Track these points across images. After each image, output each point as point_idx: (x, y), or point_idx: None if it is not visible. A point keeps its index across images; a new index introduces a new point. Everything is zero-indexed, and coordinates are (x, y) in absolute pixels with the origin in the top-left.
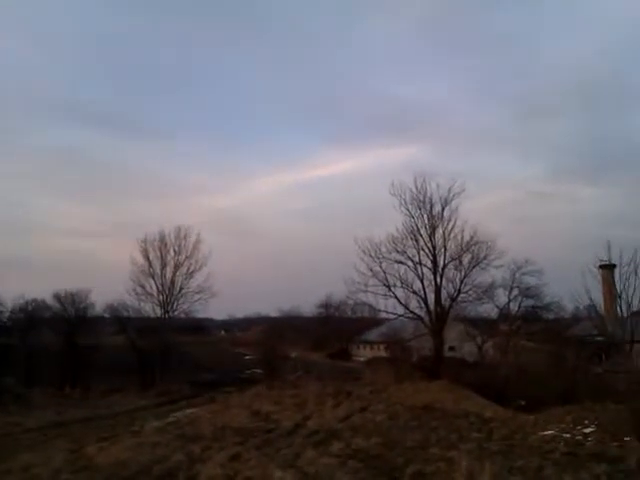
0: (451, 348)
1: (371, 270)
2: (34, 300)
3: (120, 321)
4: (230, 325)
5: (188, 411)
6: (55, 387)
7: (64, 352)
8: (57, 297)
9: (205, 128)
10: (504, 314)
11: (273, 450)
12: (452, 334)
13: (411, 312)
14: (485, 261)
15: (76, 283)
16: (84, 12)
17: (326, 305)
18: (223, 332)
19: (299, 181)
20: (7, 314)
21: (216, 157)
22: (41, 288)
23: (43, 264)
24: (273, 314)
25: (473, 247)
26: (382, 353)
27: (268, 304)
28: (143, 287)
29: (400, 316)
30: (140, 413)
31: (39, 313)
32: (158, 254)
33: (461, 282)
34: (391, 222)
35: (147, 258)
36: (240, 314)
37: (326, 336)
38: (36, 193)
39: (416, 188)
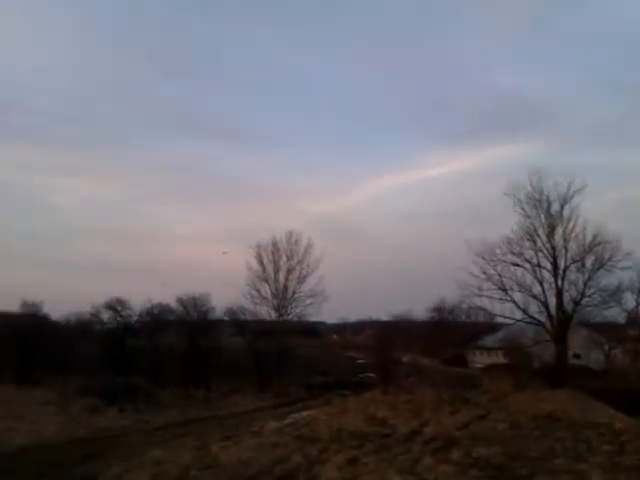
0: (576, 355)
1: (485, 273)
2: (159, 304)
3: (238, 324)
4: (341, 329)
5: (305, 413)
6: (180, 387)
7: (188, 354)
8: (180, 301)
9: (314, 135)
10: (632, 318)
11: (390, 455)
12: (576, 340)
13: (530, 317)
14: (610, 262)
15: (197, 287)
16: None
17: (439, 309)
18: (335, 336)
19: (406, 183)
20: (135, 317)
21: (324, 162)
22: (165, 292)
23: (167, 270)
24: (384, 318)
25: (597, 248)
26: (500, 359)
27: (379, 308)
28: (258, 291)
29: (518, 321)
30: (259, 414)
31: (164, 316)
32: (271, 259)
33: (585, 285)
34: (504, 223)
35: (261, 263)
36: (351, 318)
37: (439, 341)
38: (160, 203)
39: (531, 186)
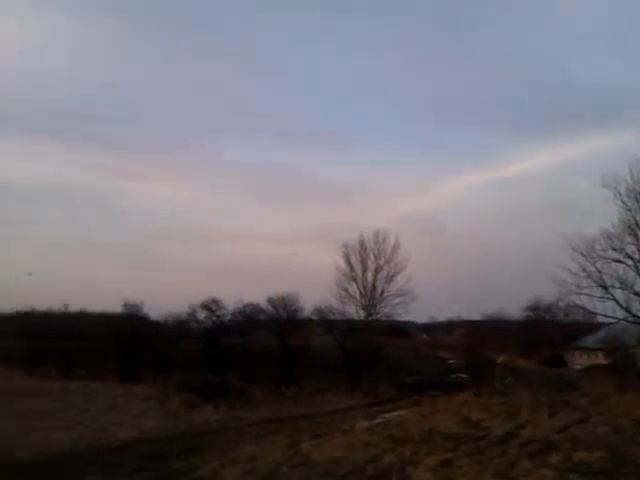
0: None
1: (584, 270)
2: (250, 304)
3: (327, 323)
4: (431, 328)
5: (395, 413)
6: (271, 385)
7: (278, 352)
8: (270, 301)
9: (396, 133)
10: None
11: (485, 458)
12: None
13: (634, 316)
14: None
15: (286, 287)
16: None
17: (534, 308)
18: (424, 335)
19: (492, 179)
20: (228, 317)
21: (407, 160)
22: (256, 292)
23: (257, 270)
24: (475, 317)
25: None
26: (600, 360)
27: (470, 307)
28: (346, 291)
29: (621, 320)
30: (349, 413)
31: (255, 316)
32: (359, 258)
33: None
34: (602, 217)
35: (349, 262)
36: (441, 317)
37: (535, 341)
38: (249, 204)
39: (632, 178)
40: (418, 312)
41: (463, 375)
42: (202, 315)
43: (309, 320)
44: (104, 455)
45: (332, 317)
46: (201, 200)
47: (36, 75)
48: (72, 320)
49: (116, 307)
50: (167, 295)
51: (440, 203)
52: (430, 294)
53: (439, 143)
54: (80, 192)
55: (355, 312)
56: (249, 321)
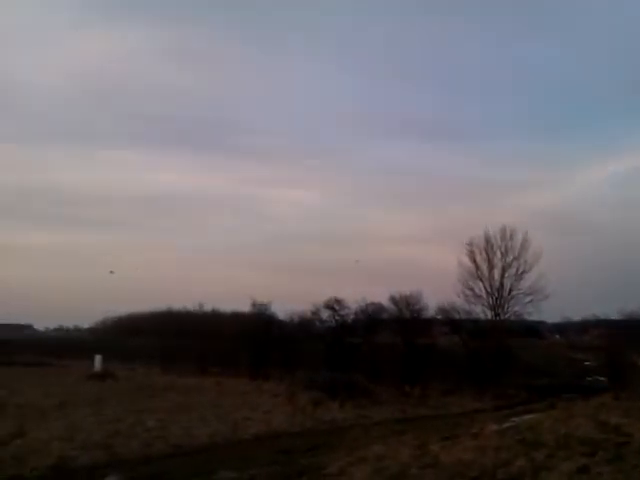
0: None
1: None
2: (373, 303)
3: (452, 323)
4: (564, 328)
5: (527, 416)
6: (396, 385)
7: (402, 352)
8: (393, 300)
9: (523, 124)
10: None
11: (628, 466)
12: None
13: None
14: None
15: (408, 286)
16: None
17: None
18: (557, 336)
19: (630, 169)
20: (351, 316)
21: (535, 152)
22: (379, 291)
23: (379, 269)
24: (614, 317)
25: None
26: None
27: (607, 306)
28: (472, 290)
29: None
30: (477, 415)
31: (378, 315)
32: (484, 256)
33: None
34: None
35: (474, 261)
36: (575, 317)
37: None
38: (370, 205)
39: None
40: (550, 311)
41: (601, 378)
42: (325, 314)
43: (433, 320)
44: (237, 449)
45: (457, 316)
46: (331, 203)
47: (177, 91)
48: (206, 319)
49: (245, 307)
50: (293, 295)
51: (573, 195)
52: (563, 292)
53: (570, 133)
54: (224, 200)
55: (481, 311)
56: (372, 320)
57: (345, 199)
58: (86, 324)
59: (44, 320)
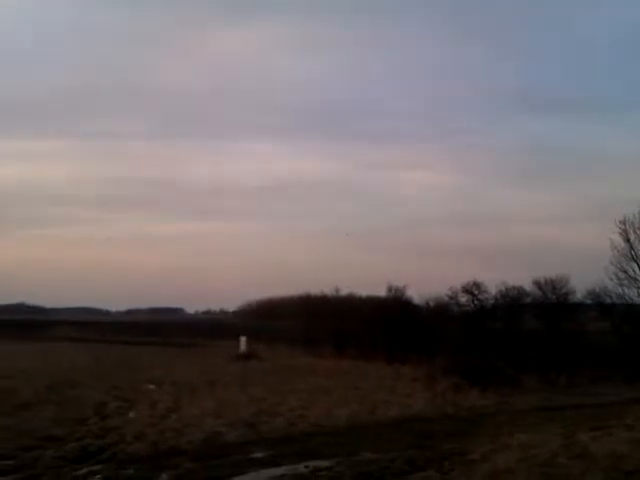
0: None
1: None
2: (514, 287)
3: (602, 307)
4: None
5: None
6: (540, 372)
7: (547, 338)
8: (537, 284)
9: None
10: None
11: None
12: None
13: None
14: None
15: (554, 269)
16: None
17: None
18: None
19: None
20: (491, 300)
21: None
22: (520, 275)
23: (521, 252)
24: None
25: None
26: None
27: None
28: (625, 272)
29: None
30: (630, 406)
31: (520, 299)
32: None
33: None
34: None
35: (627, 240)
36: None
37: None
38: (510, 185)
39: None
40: None
41: None
42: (464, 299)
43: (581, 304)
44: (377, 431)
45: (608, 301)
46: (463, 185)
47: (304, 78)
48: (343, 303)
49: (381, 291)
50: (429, 279)
51: None
52: None
53: None
54: (352, 184)
55: (636, 295)
56: (513, 305)
57: (483, 180)
58: (231, 307)
59: (193, 304)
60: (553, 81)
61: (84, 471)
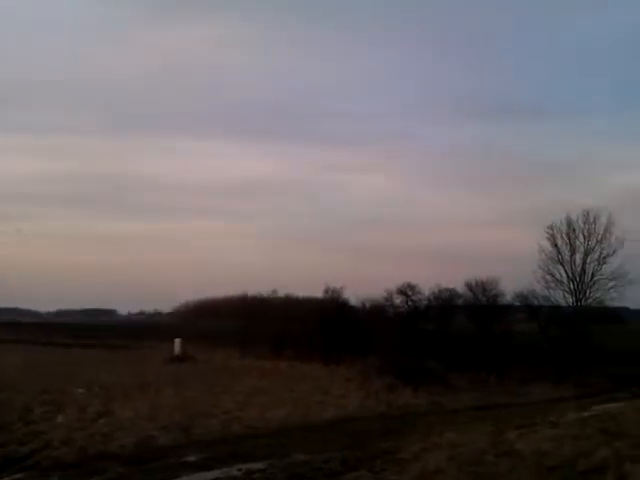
0: None
1: None
2: (447, 288)
3: (530, 309)
4: None
5: (609, 405)
6: (471, 372)
7: (478, 338)
8: (468, 285)
9: (603, 101)
10: None
11: None
12: None
13: None
14: None
15: (483, 272)
16: None
17: None
18: None
19: None
20: (424, 302)
21: (618, 128)
22: (453, 277)
23: (453, 254)
24: None
25: None
26: None
27: None
28: (552, 275)
29: None
30: (556, 404)
31: (452, 301)
32: (566, 240)
33: None
34: None
35: (555, 245)
36: None
37: None
38: (443, 188)
39: None
40: (634, 297)
41: None
42: (398, 300)
43: (510, 306)
44: (311, 432)
45: (536, 303)
46: (402, 188)
47: (257, 80)
48: (280, 304)
49: (318, 292)
50: (367, 280)
51: None
52: None
53: None
54: (290, 184)
55: (562, 298)
56: (446, 306)
57: (420, 184)
58: (166, 309)
59: (126, 305)
60: (492, 87)
61: None
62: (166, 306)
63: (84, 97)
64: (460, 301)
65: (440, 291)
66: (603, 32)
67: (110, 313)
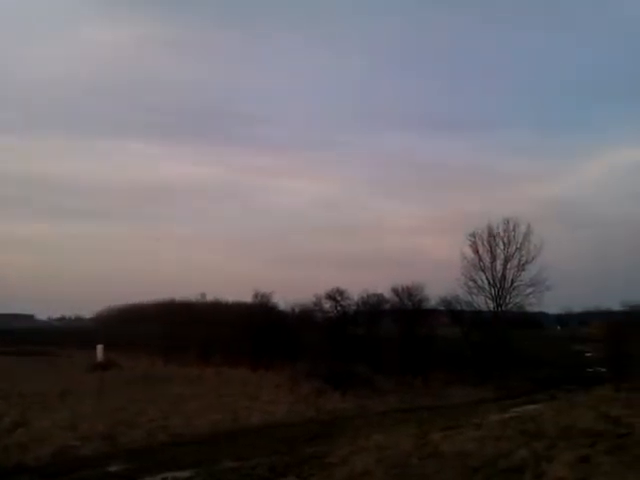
0: None
1: None
2: (375, 294)
3: (453, 314)
4: (566, 319)
5: (529, 407)
6: (397, 375)
7: (404, 342)
8: (395, 291)
9: (525, 114)
10: None
11: (629, 457)
12: None
13: None
14: None
15: (410, 277)
16: None
17: None
18: (558, 327)
19: (630, 161)
20: (353, 307)
21: (537, 142)
22: (380, 283)
23: (380, 261)
24: (616, 308)
25: None
26: None
27: (609, 298)
28: (474, 281)
29: None
30: (479, 406)
31: (379, 306)
32: (487, 247)
33: None
34: None
35: (476, 252)
36: (576, 308)
37: None
38: (371, 196)
39: None
40: (552, 303)
41: (602, 369)
42: (327, 305)
43: (435, 311)
44: (239, 439)
45: (459, 308)
46: (335, 194)
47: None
48: (208, 309)
49: (247, 297)
50: (295, 286)
51: (574, 187)
52: (565, 284)
53: (570, 123)
54: (218, 188)
55: (484, 303)
56: (373, 311)
57: (347, 190)
58: (88, 314)
59: (46, 310)
60: (428, 98)
61: None
62: (88, 311)
63: (1, 95)
64: (387, 306)
65: (368, 296)
66: (522, 51)
67: (28, 318)
